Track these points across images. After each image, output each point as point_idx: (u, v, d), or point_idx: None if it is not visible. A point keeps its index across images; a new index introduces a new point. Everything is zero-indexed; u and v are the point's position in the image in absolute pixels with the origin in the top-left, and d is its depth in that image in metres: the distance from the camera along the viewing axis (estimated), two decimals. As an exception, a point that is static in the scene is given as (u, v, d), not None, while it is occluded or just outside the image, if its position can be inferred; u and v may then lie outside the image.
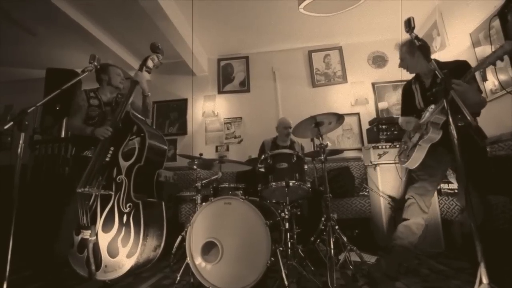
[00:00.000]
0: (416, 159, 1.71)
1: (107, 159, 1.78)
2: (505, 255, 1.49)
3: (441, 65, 1.71)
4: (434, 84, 1.72)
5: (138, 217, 1.66)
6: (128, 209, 1.68)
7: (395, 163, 2.47)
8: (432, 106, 1.65)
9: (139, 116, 2.00)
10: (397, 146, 2.57)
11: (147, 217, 1.68)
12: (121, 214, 1.69)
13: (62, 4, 2.87)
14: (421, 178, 1.77)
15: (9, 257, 1.12)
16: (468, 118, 1.12)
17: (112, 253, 1.63)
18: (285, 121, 2.88)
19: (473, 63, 1.63)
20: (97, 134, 1.82)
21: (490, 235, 1.51)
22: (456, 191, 2.32)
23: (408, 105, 1.93)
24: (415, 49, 1.68)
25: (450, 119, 1.14)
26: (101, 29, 3.47)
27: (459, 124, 1.60)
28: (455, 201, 2.27)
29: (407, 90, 1.92)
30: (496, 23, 2.28)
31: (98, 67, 1.72)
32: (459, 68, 1.59)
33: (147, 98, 2.07)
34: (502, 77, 2.29)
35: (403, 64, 1.84)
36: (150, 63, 2.03)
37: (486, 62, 1.30)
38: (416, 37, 1.36)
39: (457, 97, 1.17)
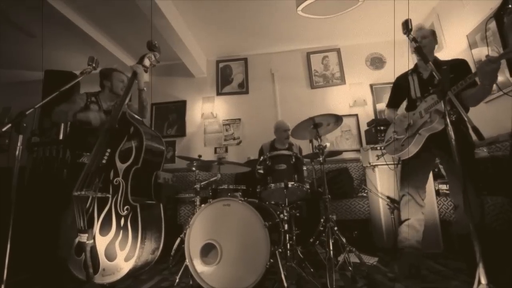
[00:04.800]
0: (414, 148, 1.70)
1: (104, 161, 1.76)
2: (504, 255, 1.50)
3: (440, 62, 1.73)
4: (432, 77, 1.72)
5: (135, 220, 1.63)
6: (126, 212, 1.66)
7: (394, 164, 2.46)
8: (434, 96, 1.65)
9: (136, 116, 1.96)
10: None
11: (145, 220, 1.67)
12: (118, 217, 1.67)
13: (61, 6, 2.87)
14: (416, 170, 1.77)
15: (7, 260, 1.11)
16: (465, 118, 1.13)
17: (110, 257, 1.62)
18: (283, 124, 2.87)
19: (470, 65, 1.64)
20: (80, 117, 1.79)
21: (487, 234, 1.52)
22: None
23: (399, 96, 1.95)
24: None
25: (448, 120, 1.14)
26: (100, 31, 3.47)
27: (452, 118, 1.62)
28: (453, 202, 2.27)
29: (401, 80, 1.92)
30: (493, 25, 2.30)
31: (99, 69, 1.70)
32: (458, 66, 1.60)
33: (142, 92, 2.01)
34: (500, 78, 2.30)
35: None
36: (147, 62, 1.98)
37: None
38: (414, 39, 1.37)
39: (454, 99, 1.17)
